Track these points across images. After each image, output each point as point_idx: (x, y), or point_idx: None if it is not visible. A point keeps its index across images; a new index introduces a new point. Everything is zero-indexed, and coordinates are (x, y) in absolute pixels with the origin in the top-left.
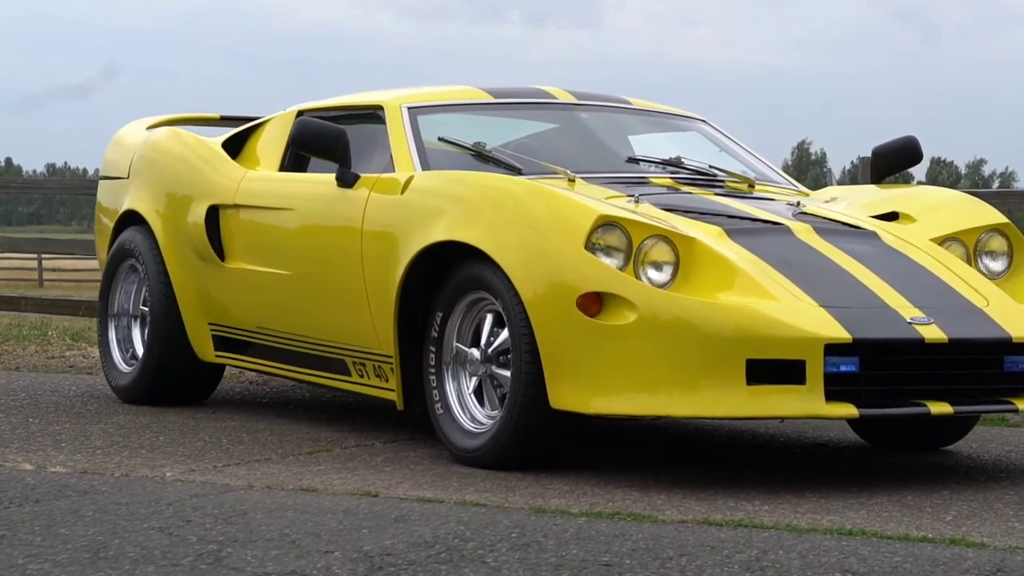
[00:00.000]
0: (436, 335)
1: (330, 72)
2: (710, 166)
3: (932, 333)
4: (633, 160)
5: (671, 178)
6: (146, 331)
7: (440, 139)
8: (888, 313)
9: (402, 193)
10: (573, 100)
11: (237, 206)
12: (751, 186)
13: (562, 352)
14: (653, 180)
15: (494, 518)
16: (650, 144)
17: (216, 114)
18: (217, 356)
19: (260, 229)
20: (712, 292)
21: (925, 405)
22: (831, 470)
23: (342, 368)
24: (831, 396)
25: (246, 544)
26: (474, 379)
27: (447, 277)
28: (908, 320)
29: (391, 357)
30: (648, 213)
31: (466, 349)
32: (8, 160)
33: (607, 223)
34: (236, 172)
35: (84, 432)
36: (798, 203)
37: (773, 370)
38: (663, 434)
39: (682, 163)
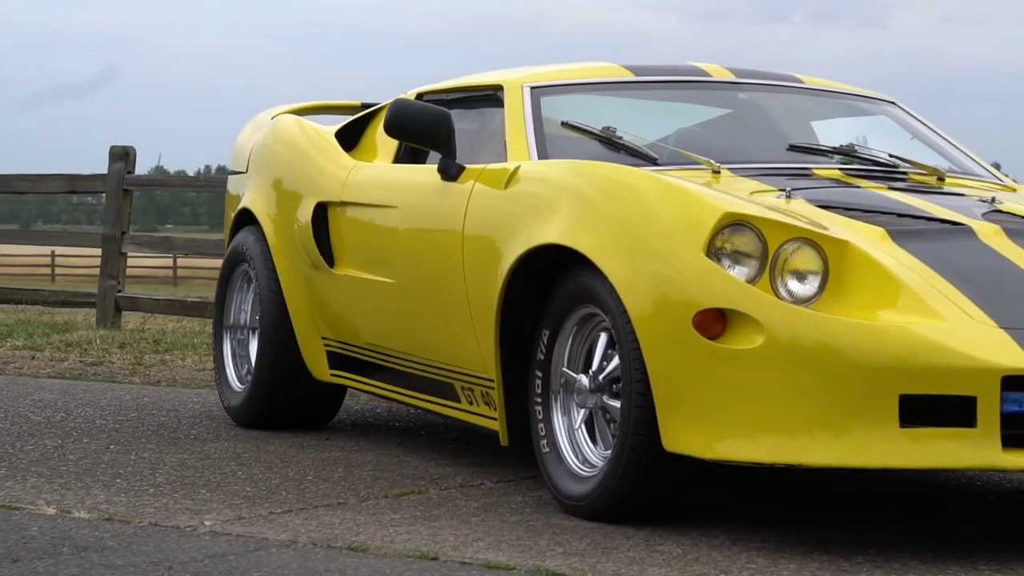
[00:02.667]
0: (543, 358)
1: None
2: (890, 155)
3: None
4: (796, 148)
5: (840, 169)
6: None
7: (564, 124)
8: None
9: (506, 187)
10: (731, 78)
11: (344, 203)
12: (940, 179)
13: (677, 382)
14: (817, 172)
15: None
16: (831, 129)
17: (357, 101)
18: (332, 375)
19: (365, 230)
20: (865, 309)
21: None
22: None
23: (451, 393)
24: (1012, 442)
25: None
26: (583, 411)
27: (555, 288)
28: None
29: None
30: (797, 212)
31: (574, 375)
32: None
33: (736, 223)
34: (345, 165)
35: (155, 464)
36: (994, 199)
37: (935, 408)
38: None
39: (855, 151)
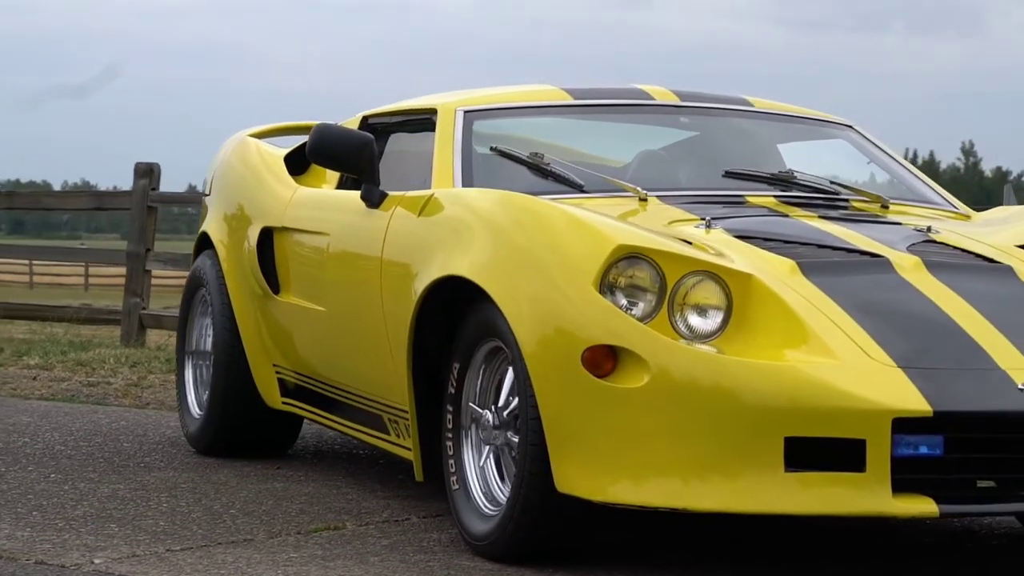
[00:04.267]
0: (453, 391)
1: (712, 85)
2: (831, 182)
3: None
4: (732, 175)
5: (776, 197)
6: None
7: (493, 149)
8: (995, 376)
9: (419, 214)
10: (675, 101)
11: (285, 228)
12: (884, 206)
13: (567, 421)
14: (751, 199)
15: None
16: (786, 154)
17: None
18: (283, 403)
19: (301, 256)
20: (764, 346)
21: None
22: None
23: (380, 425)
24: (902, 487)
25: None
26: (487, 448)
27: (463, 320)
28: (1020, 386)
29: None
30: (712, 243)
31: (480, 410)
32: None
33: (631, 255)
34: (288, 189)
35: (84, 495)
36: (929, 228)
37: (821, 452)
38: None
39: (794, 178)
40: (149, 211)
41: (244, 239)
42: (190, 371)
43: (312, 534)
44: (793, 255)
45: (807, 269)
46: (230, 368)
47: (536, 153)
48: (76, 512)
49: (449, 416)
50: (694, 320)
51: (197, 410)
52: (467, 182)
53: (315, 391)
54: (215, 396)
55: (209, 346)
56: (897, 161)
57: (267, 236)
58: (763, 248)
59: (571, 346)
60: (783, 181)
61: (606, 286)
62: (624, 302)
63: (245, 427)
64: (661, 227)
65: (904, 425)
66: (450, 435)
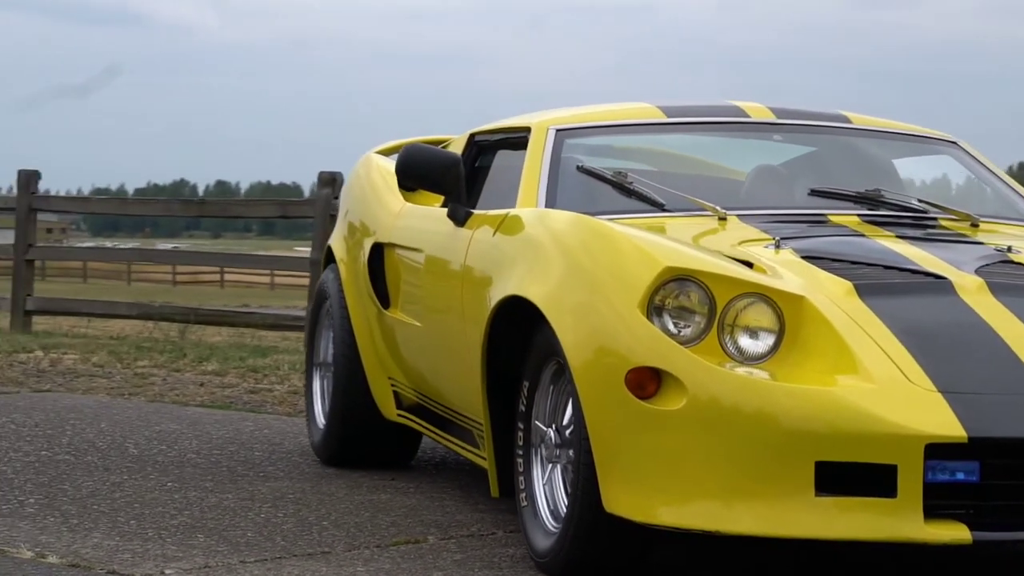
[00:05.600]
0: (524, 409)
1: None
2: (919, 200)
3: None
4: (818, 193)
5: (859, 216)
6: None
7: (579, 168)
8: None
9: (494, 234)
10: (770, 118)
11: (392, 245)
12: (975, 225)
13: (613, 442)
14: (833, 218)
15: None
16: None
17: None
18: (399, 415)
19: (403, 272)
20: (811, 369)
21: None
22: None
23: (472, 439)
24: (934, 512)
25: None
26: (550, 466)
27: (531, 339)
28: None
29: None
30: (776, 263)
31: (544, 428)
32: None
33: (680, 277)
34: (396, 205)
35: (188, 504)
36: (1010, 248)
37: (852, 477)
38: None
39: (881, 196)
40: (332, 220)
41: (360, 254)
42: (317, 382)
43: (390, 547)
44: (852, 276)
45: (863, 291)
46: (349, 381)
47: (620, 172)
48: (173, 522)
49: (520, 433)
50: (744, 342)
51: (322, 421)
52: (551, 200)
53: (422, 404)
54: (335, 408)
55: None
56: (1000, 178)
57: (378, 251)
58: (826, 269)
59: (616, 367)
60: (870, 200)
61: (653, 307)
62: (672, 323)
63: (364, 439)
64: (728, 247)
65: (938, 451)
66: (520, 452)
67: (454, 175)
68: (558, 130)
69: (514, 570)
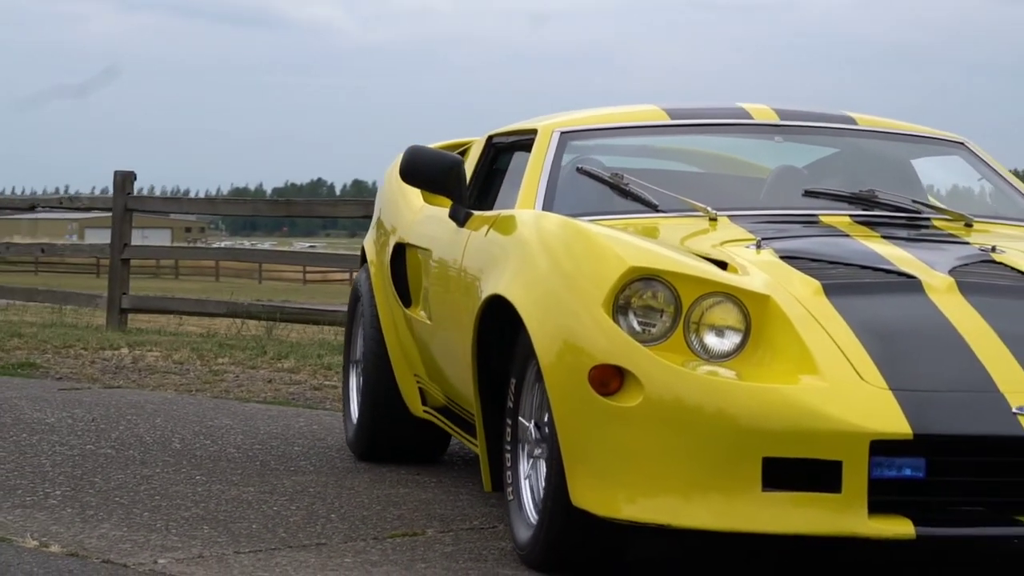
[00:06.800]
0: (511, 405)
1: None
2: (914, 200)
3: None
4: (811, 194)
5: (851, 216)
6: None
7: (578, 169)
8: (988, 399)
9: (486, 234)
10: (774, 119)
11: (410, 244)
12: (968, 225)
13: (578, 437)
14: (824, 219)
15: None
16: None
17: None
18: (424, 411)
19: (418, 271)
20: (775, 367)
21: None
22: None
23: (474, 433)
24: (879, 508)
25: None
26: (532, 461)
27: (517, 337)
28: (1015, 409)
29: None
30: (752, 264)
31: (527, 424)
32: None
33: (646, 277)
34: (416, 206)
35: (206, 497)
36: (994, 248)
37: (798, 473)
38: None
39: (876, 197)
40: None
41: (386, 254)
42: (354, 379)
43: (386, 540)
44: (823, 276)
45: (830, 290)
46: (379, 377)
47: (616, 173)
48: (185, 514)
49: (509, 429)
50: (711, 340)
51: (356, 416)
52: (549, 201)
53: (442, 400)
54: (365, 404)
55: None
56: (1005, 179)
57: (400, 251)
58: (801, 269)
59: (580, 364)
60: (864, 200)
61: (618, 306)
62: (638, 322)
63: (394, 434)
64: (708, 247)
65: (884, 447)
66: (508, 448)
67: (455, 176)
68: (562, 132)
69: (499, 563)
